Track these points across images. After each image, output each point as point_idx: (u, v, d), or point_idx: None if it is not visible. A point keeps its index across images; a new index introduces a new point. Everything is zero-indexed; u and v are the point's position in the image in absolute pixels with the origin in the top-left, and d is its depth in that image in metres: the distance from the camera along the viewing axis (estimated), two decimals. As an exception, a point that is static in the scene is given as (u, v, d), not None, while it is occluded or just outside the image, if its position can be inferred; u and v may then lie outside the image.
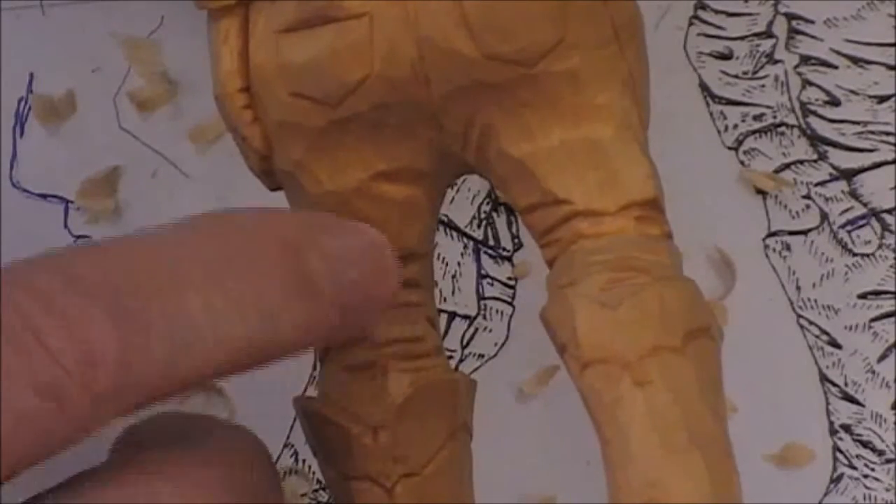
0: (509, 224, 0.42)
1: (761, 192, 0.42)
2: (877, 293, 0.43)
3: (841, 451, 0.42)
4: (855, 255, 0.43)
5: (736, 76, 0.43)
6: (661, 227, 0.32)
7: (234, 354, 0.29)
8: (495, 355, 0.42)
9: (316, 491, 0.41)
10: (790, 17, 0.43)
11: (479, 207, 0.42)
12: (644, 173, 0.31)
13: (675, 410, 0.29)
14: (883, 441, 0.42)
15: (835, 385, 0.42)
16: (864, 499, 0.42)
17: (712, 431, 0.29)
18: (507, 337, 0.42)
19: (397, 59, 0.31)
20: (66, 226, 0.41)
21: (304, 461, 0.42)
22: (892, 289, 0.42)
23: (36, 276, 0.27)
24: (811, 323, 0.43)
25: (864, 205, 0.43)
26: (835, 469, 0.42)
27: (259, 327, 0.29)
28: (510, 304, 0.42)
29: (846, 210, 0.43)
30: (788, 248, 0.43)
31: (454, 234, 0.42)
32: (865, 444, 0.42)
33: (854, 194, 0.43)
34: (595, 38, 0.31)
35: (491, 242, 0.42)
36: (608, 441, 0.29)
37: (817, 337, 0.43)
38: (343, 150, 0.32)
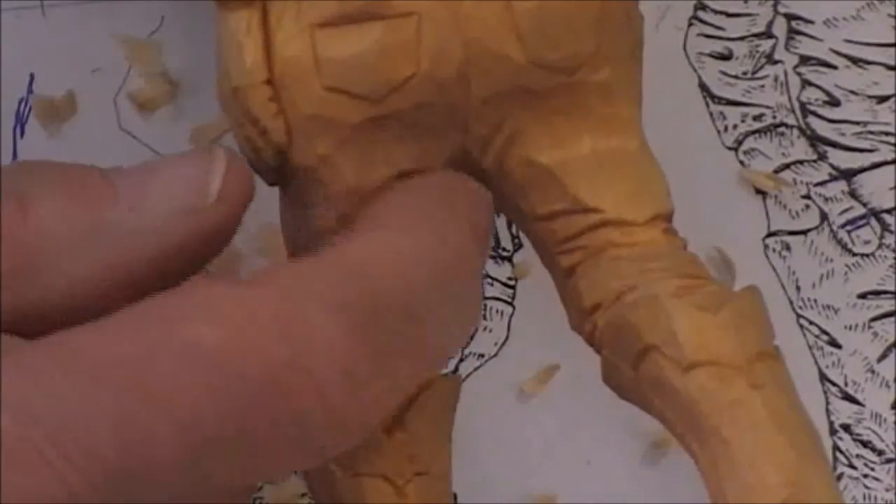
0: (509, 224, 0.42)
1: (761, 192, 0.42)
2: (877, 293, 0.43)
3: (841, 451, 0.42)
4: (855, 255, 0.43)
5: (736, 76, 0.43)
6: (682, 239, 0.33)
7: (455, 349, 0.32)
8: (495, 355, 0.42)
9: (316, 491, 0.41)
10: (790, 17, 0.43)
11: (479, 208, 0.42)
12: (665, 186, 0.33)
13: (791, 414, 0.30)
14: (883, 441, 0.42)
15: (834, 385, 0.42)
16: (864, 499, 0.42)
17: (817, 433, 0.30)
18: (507, 337, 0.42)
19: (445, 59, 0.31)
20: (66, 226, 0.41)
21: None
22: (892, 289, 0.42)
23: (321, 322, 0.28)
24: (811, 323, 0.43)
25: (864, 205, 0.43)
26: (834, 469, 0.42)
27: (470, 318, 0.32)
28: (510, 304, 0.42)
29: (846, 210, 0.43)
30: (788, 248, 0.43)
31: (454, 234, 0.42)
32: (865, 444, 0.42)
33: (854, 194, 0.43)
34: (621, 52, 0.33)
35: (491, 242, 0.42)
36: (727, 441, 0.30)
37: (817, 337, 0.43)
38: (373, 146, 0.32)
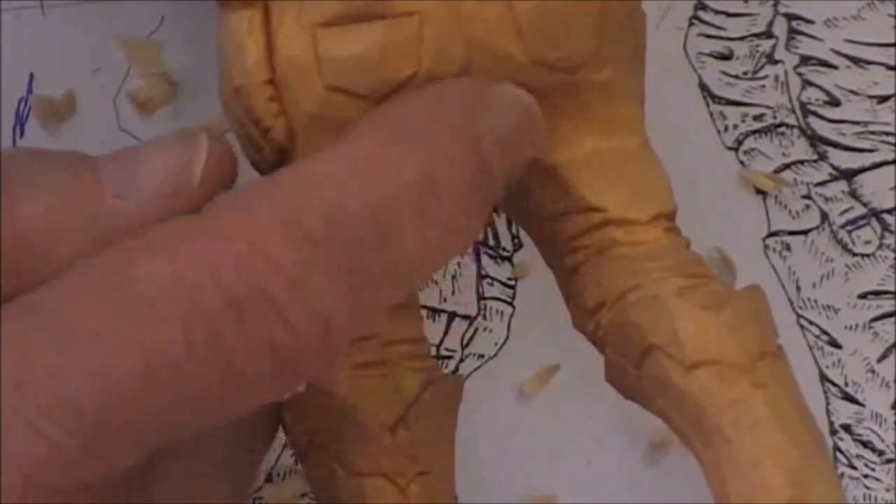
0: (509, 224, 0.42)
1: (761, 192, 0.42)
2: (877, 293, 0.43)
3: (841, 451, 0.42)
4: (855, 255, 0.43)
5: (736, 76, 0.43)
6: (684, 238, 0.33)
7: (436, 269, 0.29)
8: (495, 355, 0.42)
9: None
10: (790, 17, 0.43)
11: (479, 208, 0.42)
12: (667, 185, 0.33)
13: (794, 413, 0.30)
14: (883, 441, 0.42)
15: (835, 385, 0.43)
16: (864, 499, 0.42)
17: (820, 433, 0.30)
18: (507, 337, 0.42)
19: (446, 58, 0.31)
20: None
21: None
22: (892, 289, 0.42)
23: (267, 238, 0.27)
24: (811, 323, 0.43)
25: (864, 205, 0.43)
26: (835, 469, 0.42)
27: (460, 240, 0.30)
28: (510, 304, 0.42)
29: (846, 210, 0.43)
30: (788, 248, 0.43)
31: (454, 234, 0.42)
32: (865, 444, 0.42)
33: (854, 194, 0.43)
34: (623, 51, 0.33)
35: (491, 242, 0.42)
36: (730, 440, 0.30)
37: (817, 337, 0.43)
38: None
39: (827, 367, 0.43)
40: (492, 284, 0.42)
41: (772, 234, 0.43)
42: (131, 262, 0.27)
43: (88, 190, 0.30)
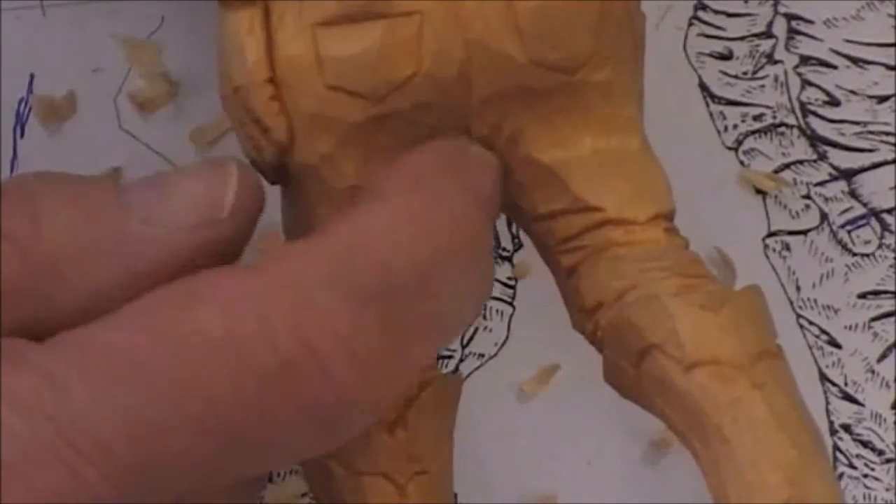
0: (509, 224, 0.42)
1: (761, 192, 0.42)
2: (877, 293, 0.43)
3: (841, 451, 0.42)
4: (855, 255, 0.43)
5: (736, 76, 0.43)
6: (683, 238, 0.33)
7: (472, 318, 0.32)
8: (495, 355, 0.42)
9: (316, 491, 0.41)
10: (790, 17, 0.43)
11: (479, 208, 0.42)
12: (666, 185, 0.33)
13: (793, 413, 0.30)
14: (883, 441, 0.42)
15: (834, 385, 0.42)
16: (864, 499, 0.42)
17: (818, 432, 0.30)
18: (507, 337, 0.42)
19: (446, 58, 0.31)
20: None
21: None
22: (892, 289, 0.42)
23: (317, 295, 0.27)
24: (811, 323, 0.43)
25: (864, 205, 0.43)
26: (835, 469, 0.42)
27: (487, 287, 0.31)
28: (510, 304, 0.42)
29: (846, 210, 0.43)
30: (788, 248, 0.43)
31: (454, 234, 0.42)
32: (865, 444, 0.42)
33: (854, 194, 0.43)
34: (622, 51, 0.33)
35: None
36: (729, 440, 0.30)
37: (817, 337, 0.43)
38: (374, 146, 0.32)
39: (827, 366, 0.43)
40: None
41: (771, 234, 0.43)
42: (184, 310, 0.27)
43: (116, 214, 0.30)
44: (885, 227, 0.43)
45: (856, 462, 0.42)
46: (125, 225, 0.30)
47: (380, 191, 0.30)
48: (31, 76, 0.41)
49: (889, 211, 0.43)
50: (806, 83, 0.43)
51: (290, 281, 0.28)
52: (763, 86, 0.43)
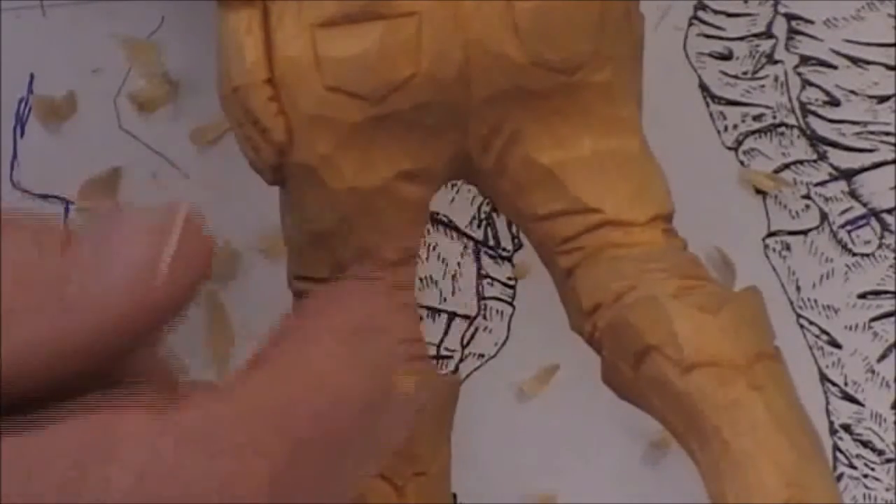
0: (509, 224, 0.42)
1: (761, 192, 0.42)
2: (877, 293, 0.43)
3: (841, 451, 0.42)
4: (855, 255, 0.43)
5: (736, 76, 0.43)
6: (682, 240, 0.33)
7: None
8: (495, 355, 0.42)
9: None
10: (790, 17, 0.43)
11: (479, 208, 0.42)
12: (665, 187, 0.33)
13: (791, 414, 0.30)
14: (883, 441, 0.42)
15: (834, 385, 0.42)
16: (864, 499, 0.42)
17: (817, 434, 0.31)
18: (507, 337, 0.42)
19: (445, 59, 0.31)
20: (66, 226, 0.41)
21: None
22: (892, 289, 0.42)
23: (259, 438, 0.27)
24: (811, 323, 0.43)
25: (864, 205, 0.43)
26: (835, 469, 0.42)
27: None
28: (510, 304, 0.42)
29: (846, 210, 0.43)
30: (788, 248, 0.43)
31: (454, 234, 0.42)
32: (865, 444, 0.42)
33: (854, 194, 0.43)
34: (622, 52, 0.33)
35: (491, 242, 0.42)
36: (727, 441, 0.30)
37: (817, 337, 0.43)
38: (373, 147, 0.32)
39: (827, 366, 0.43)
40: (492, 284, 0.42)
41: (771, 234, 0.43)
42: (91, 463, 0.26)
43: (56, 273, 0.29)
44: (885, 227, 0.43)
45: (856, 462, 0.42)
46: (63, 288, 0.29)
47: (293, 351, 0.30)
48: (31, 76, 0.41)
49: (889, 211, 0.43)
50: (806, 83, 0.43)
51: (203, 443, 0.27)
52: (763, 86, 0.43)
